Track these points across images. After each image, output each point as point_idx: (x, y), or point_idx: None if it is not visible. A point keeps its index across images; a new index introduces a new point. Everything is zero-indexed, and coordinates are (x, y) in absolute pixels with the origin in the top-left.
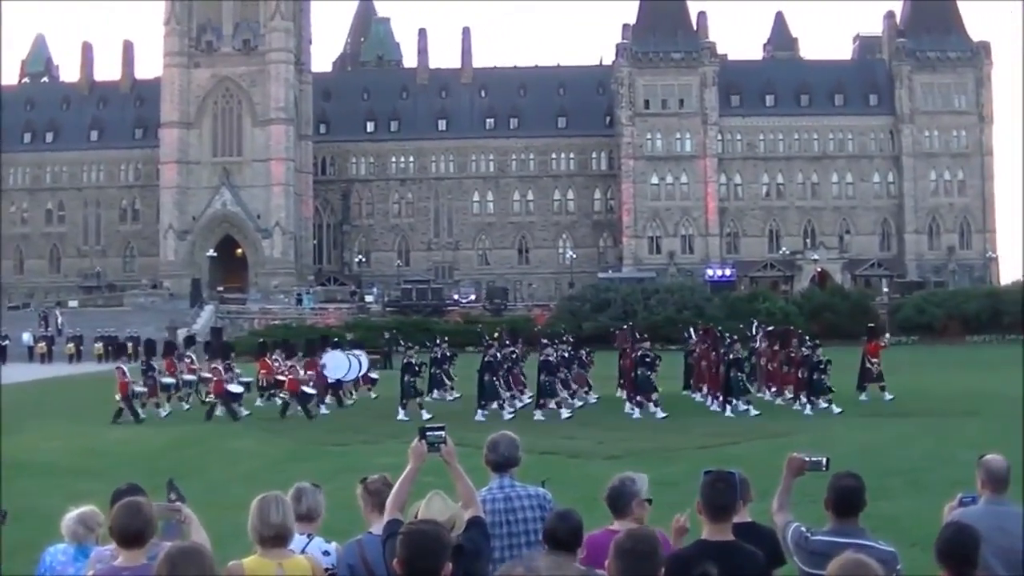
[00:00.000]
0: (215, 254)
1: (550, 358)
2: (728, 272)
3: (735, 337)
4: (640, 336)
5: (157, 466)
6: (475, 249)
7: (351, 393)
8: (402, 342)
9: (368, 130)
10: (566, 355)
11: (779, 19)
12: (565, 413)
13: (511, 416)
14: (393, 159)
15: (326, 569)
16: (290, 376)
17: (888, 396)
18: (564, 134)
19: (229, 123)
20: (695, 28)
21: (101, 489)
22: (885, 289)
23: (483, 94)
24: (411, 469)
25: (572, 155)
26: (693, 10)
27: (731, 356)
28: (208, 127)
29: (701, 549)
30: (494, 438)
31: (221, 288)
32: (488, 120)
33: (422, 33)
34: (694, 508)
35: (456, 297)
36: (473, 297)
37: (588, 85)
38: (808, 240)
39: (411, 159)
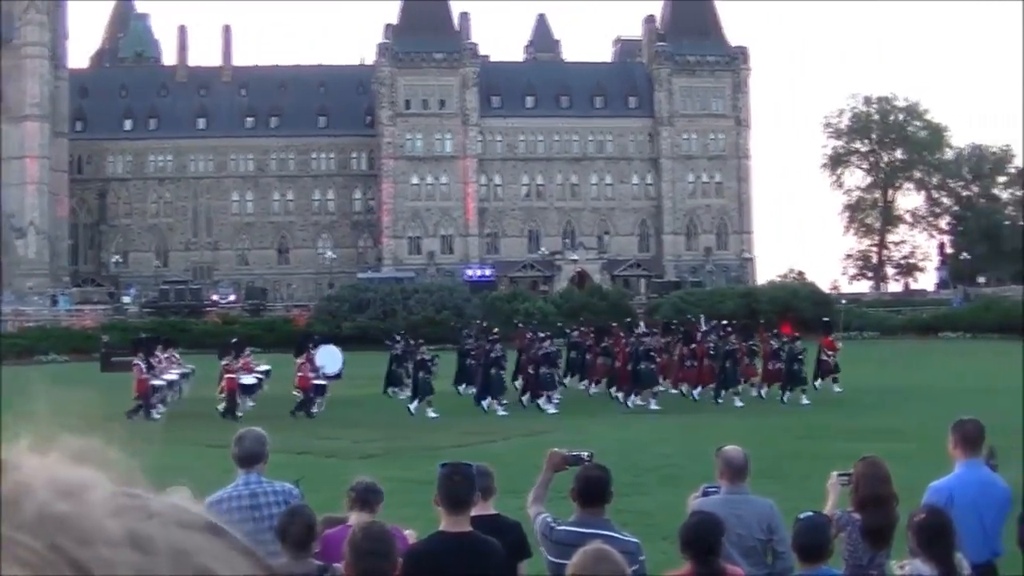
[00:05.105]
0: None
1: (551, 351)
2: (487, 272)
3: (729, 329)
4: (647, 331)
5: None
6: (234, 249)
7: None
8: (411, 340)
9: (126, 128)
10: (555, 350)
11: (541, 21)
12: (551, 408)
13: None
14: (151, 158)
15: None
16: (299, 373)
17: (838, 388)
18: (325, 133)
19: None
20: (457, 29)
21: None
22: (643, 289)
23: (243, 93)
24: None
25: (332, 155)
26: (455, 10)
27: (725, 348)
28: None
29: (438, 541)
30: (241, 433)
31: None
32: (248, 119)
33: (182, 30)
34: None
35: (215, 298)
36: (232, 298)
37: (349, 85)
38: (568, 241)
39: (170, 158)
